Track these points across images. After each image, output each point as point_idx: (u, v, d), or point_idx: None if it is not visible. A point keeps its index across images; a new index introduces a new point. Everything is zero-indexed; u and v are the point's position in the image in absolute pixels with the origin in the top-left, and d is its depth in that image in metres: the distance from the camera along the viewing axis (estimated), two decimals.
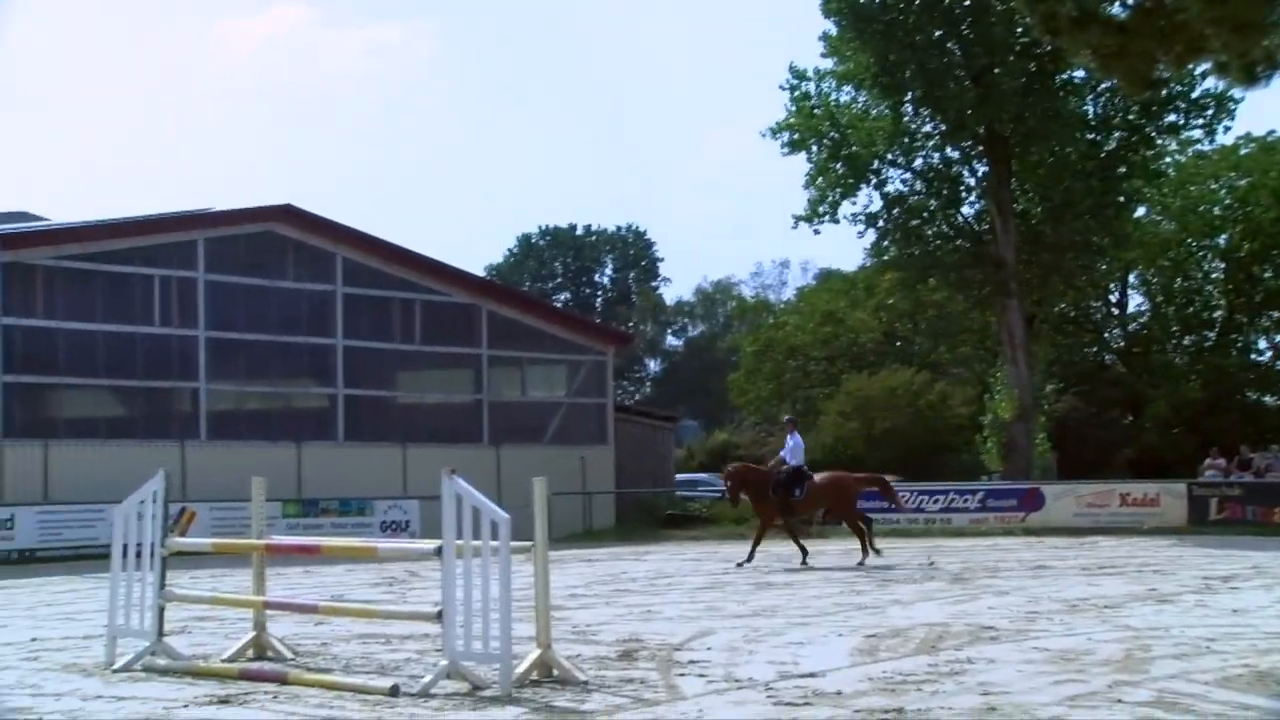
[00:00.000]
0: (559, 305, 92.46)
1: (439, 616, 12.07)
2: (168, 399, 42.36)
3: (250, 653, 14.24)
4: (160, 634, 13.97)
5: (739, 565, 28.74)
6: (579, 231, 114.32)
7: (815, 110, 50.05)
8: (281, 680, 12.43)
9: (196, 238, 42.50)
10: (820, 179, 49.88)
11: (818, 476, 30.50)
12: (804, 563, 28.94)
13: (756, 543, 30.37)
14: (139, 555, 14.03)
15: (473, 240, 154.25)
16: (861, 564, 28.52)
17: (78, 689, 12.54)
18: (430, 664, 12.84)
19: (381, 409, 46.29)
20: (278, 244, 44.41)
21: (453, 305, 47.67)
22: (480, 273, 72.84)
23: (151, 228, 42.19)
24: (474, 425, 47.57)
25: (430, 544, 12.50)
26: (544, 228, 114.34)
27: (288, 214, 44.55)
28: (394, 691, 11.64)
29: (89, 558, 33.42)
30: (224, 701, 11.52)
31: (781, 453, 30.69)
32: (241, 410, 43.99)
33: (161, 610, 14.08)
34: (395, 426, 45.85)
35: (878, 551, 29.58)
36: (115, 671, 13.47)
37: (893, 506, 34.72)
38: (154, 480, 14.06)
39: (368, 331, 45.72)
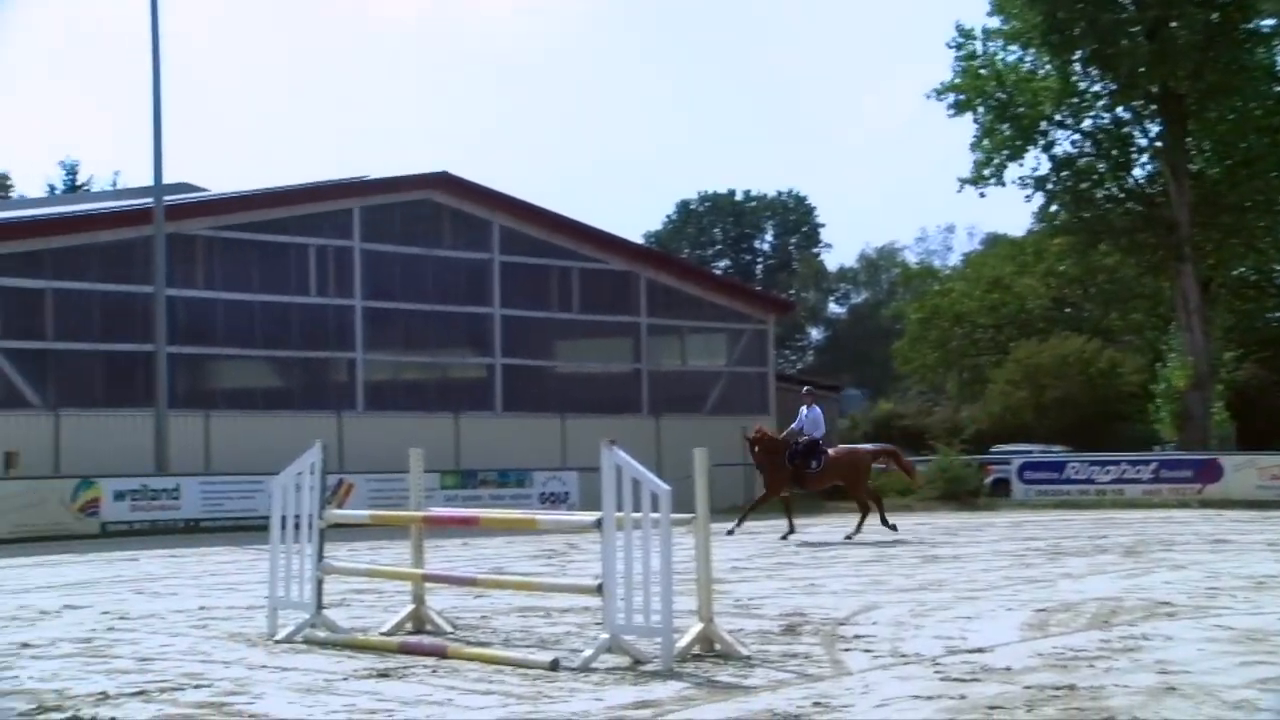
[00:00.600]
0: (718, 272, 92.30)
1: (599, 590, 12.06)
2: (324, 370, 42.90)
3: (409, 626, 14.28)
4: (320, 606, 14.00)
5: (729, 533, 29.35)
6: (738, 197, 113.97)
7: (982, 70, 49.41)
8: (441, 654, 12.45)
9: (353, 206, 42.98)
10: (986, 141, 49.30)
11: (831, 451, 30.35)
12: (786, 537, 28.88)
13: (752, 509, 30.95)
14: (297, 527, 14.15)
15: (631, 207, 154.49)
16: (850, 538, 28.53)
17: (243, 658, 12.76)
18: (590, 638, 12.82)
19: (539, 379, 46.55)
20: (434, 212, 44.78)
21: (611, 273, 47.80)
22: (639, 240, 72.97)
23: (308, 196, 42.74)
24: (633, 395, 47.68)
25: (590, 516, 12.49)
26: (703, 193, 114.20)
27: (444, 182, 44.88)
28: (554, 666, 11.67)
29: (249, 528, 33.98)
30: (383, 675, 11.54)
31: (795, 424, 30.34)
32: (398, 381, 44.40)
33: (320, 583, 14.11)
34: (553, 396, 46.10)
35: (893, 527, 29.28)
36: (277, 642, 13.67)
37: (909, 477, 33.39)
38: (311, 452, 14.10)
39: (525, 300, 46.00)
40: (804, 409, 30.26)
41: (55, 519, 34.73)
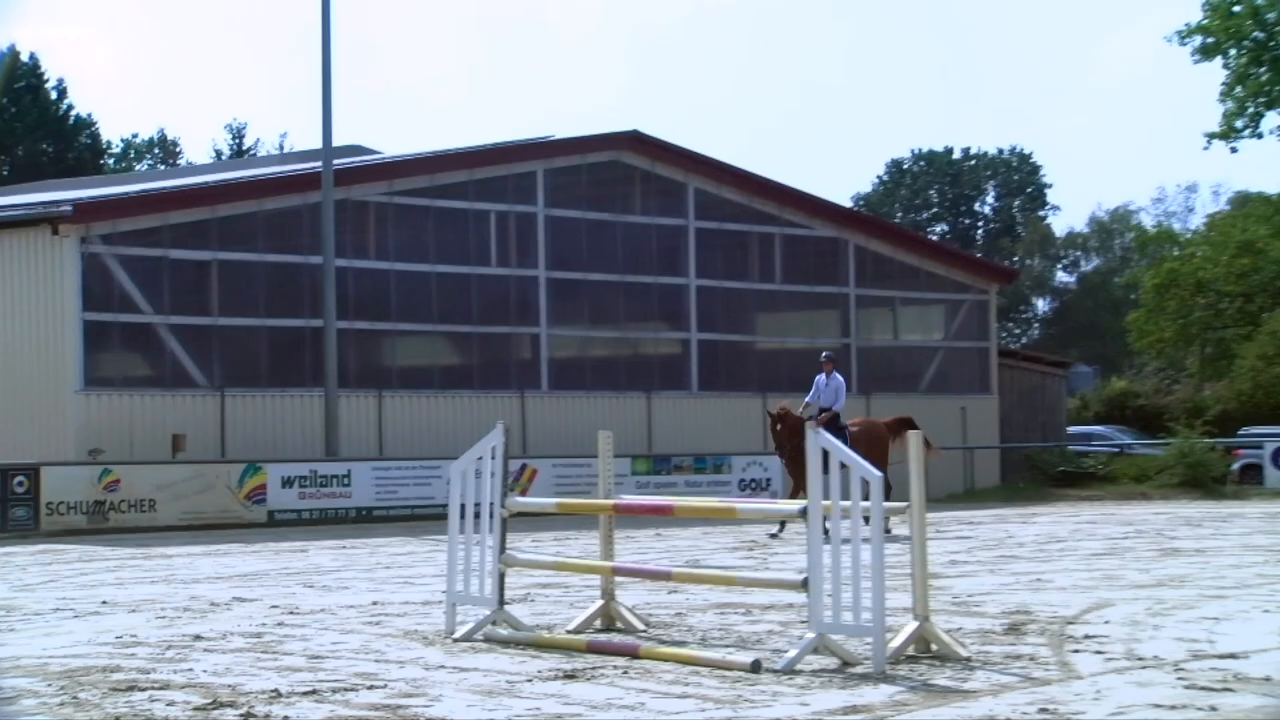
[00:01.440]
0: (935, 238, 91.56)
1: (805, 585, 12.02)
2: (505, 346, 43.14)
3: (598, 623, 14.35)
4: (501, 601, 14.15)
5: (772, 535, 28.13)
6: (956, 155, 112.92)
7: (1235, 8, 48.14)
8: (633, 654, 12.47)
9: (536, 169, 43.16)
10: (1239, 88, 48.12)
11: (851, 424, 29.76)
12: (777, 535, 28.15)
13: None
14: (477, 517, 14.25)
15: (837, 168, 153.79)
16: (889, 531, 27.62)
17: (419, 657, 12.87)
18: (795, 637, 12.79)
19: (739, 355, 46.54)
20: (624, 174, 44.87)
21: (816, 240, 47.58)
22: (846, 203, 72.63)
23: (488, 159, 43.05)
24: (841, 372, 47.34)
25: (794, 505, 12.43)
26: (917, 152, 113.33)
27: (635, 141, 44.89)
28: (755, 667, 11.63)
29: (425, 518, 34.29)
30: (570, 676, 11.59)
31: (810, 394, 29.59)
32: (586, 357, 44.61)
33: (502, 576, 14.26)
34: (754, 374, 46.04)
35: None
36: (456, 640, 13.76)
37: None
38: (492, 434, 14.14)
39: (723, 269, 46.01)
40: (821, 377, 29.63)
41: (222, 506, 35.38)
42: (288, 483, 36.21)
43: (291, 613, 16.63)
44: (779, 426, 29.28)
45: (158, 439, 36.71)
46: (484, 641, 13.66)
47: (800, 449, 25.20)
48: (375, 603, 17.50)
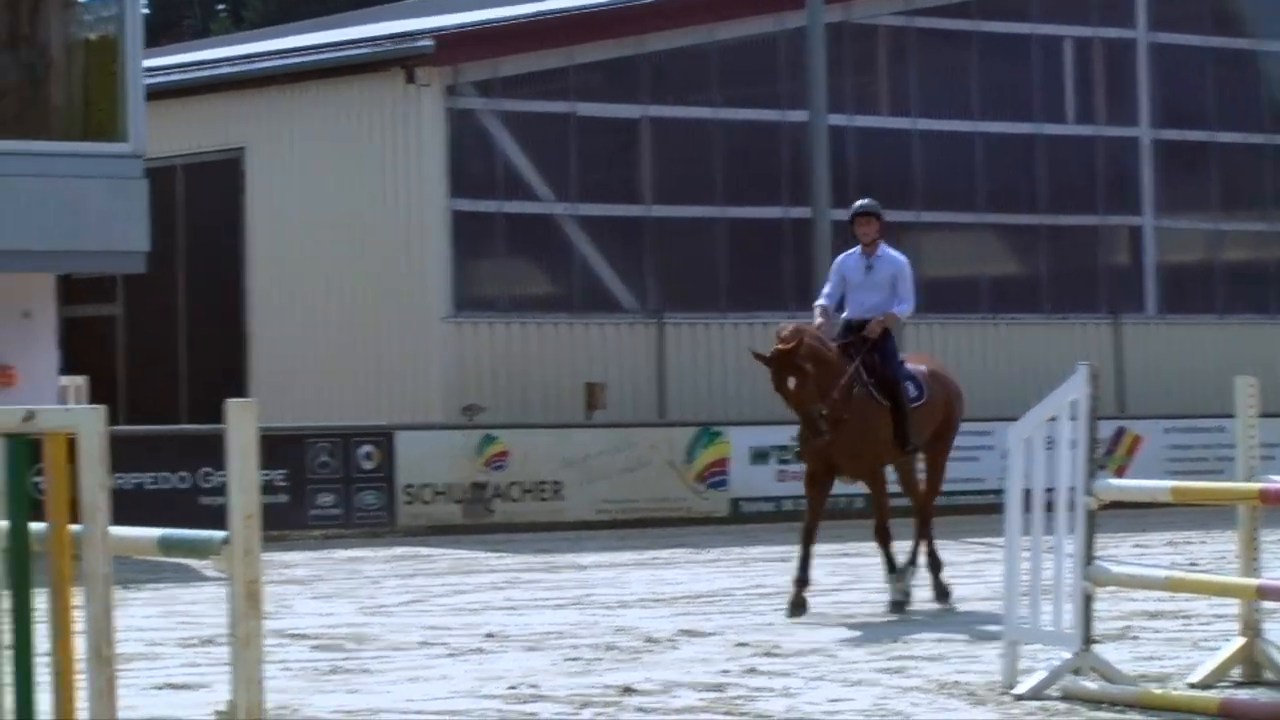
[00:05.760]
0: None
1: None
2: (1090, 246, 42.63)
3: (1237, 672, 14.18)
4: (1088, 639, 13.99)
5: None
6: None
7: None
8: None
9: None
10: None
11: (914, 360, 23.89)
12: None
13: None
14: (1049, 508, 14.33)
15: None
16: None
17: None
18: None
19: None
20: None
21: None
22: None
23: None
24: None
25: None
26: None
27: None
28: None
29: (966, 509, 34.41)
30: None
31: (826, 291, 22.50)
32: (1213, 264, 43.90)
33: (1089, 600, 14.06)
34: None
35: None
36: (1019, 698, 13.76)
37: None
38: (1071, 382, 14.10)
39: None
40: (852, 256, 22.61)
41: (661, 491, 35.25)
42: (759, 456, 35.66)
43: (768, 653, 17.03)
44: (791, 368, 20.96)
45: (564, 390, 36.77)
46: (1061, 700, 13.61)
47: (858, 419, 21.04)
48: (896, 640, 17.89)
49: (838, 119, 37.81)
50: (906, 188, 39.88)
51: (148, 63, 34.28)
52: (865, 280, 21.55)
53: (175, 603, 22.53)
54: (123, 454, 25.69)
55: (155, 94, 34.68)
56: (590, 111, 37.83)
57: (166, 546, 8.46)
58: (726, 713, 13.42)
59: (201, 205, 39.07)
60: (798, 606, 20.44)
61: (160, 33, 54.12)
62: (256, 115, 38.73)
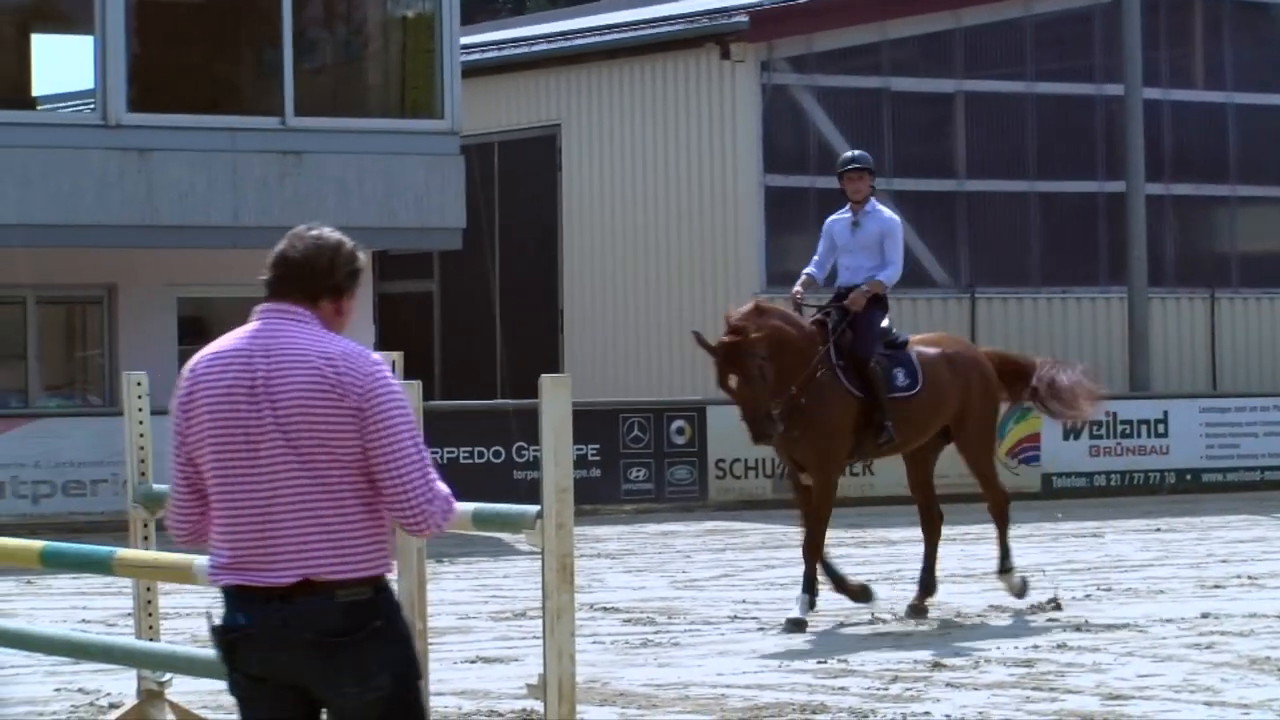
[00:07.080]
0: None
1: None
2: None
3: None
4: None
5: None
6: None
7: None
8: None
9: None
10: None
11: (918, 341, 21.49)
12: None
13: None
14: None
15: None
16: None
17: (1272, 699, 13.09)
18: None
19: None
20: None
21: None
22: None
23: None
24: None
25: None
26: None
27: None
28: None
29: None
30: None
31: (815, 260, 20.65)
32: None
33: None
34: None
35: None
36: None
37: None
38: None
39: None
40: (841, 219, 19.69)
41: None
42: (1071, 432, 34.93)
43: (1078, 628, 17.16)
44: (735, 364, 18.53)
45: None
46: None
47: (814, 406, 18.81)
48: (1204, 615, 17.95)
49: (1152, 93, 37.55)
50: (1221, 162, 39.49)
51: (464, 40, 34.60)
52: (851, 240, 19.78)
53: (488, 576, 22.83)
54: (437, 429, 25.75)
55: (471, 71, 34.97)
56: (904, 86, 37.50)
57: (480, 521, 8.43)
58: (1035, 688, 13.47)
59: (517, 182, 39.21)
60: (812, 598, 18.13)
61: (476, 10, 54.26)
62: (572, 92, 38.78)
